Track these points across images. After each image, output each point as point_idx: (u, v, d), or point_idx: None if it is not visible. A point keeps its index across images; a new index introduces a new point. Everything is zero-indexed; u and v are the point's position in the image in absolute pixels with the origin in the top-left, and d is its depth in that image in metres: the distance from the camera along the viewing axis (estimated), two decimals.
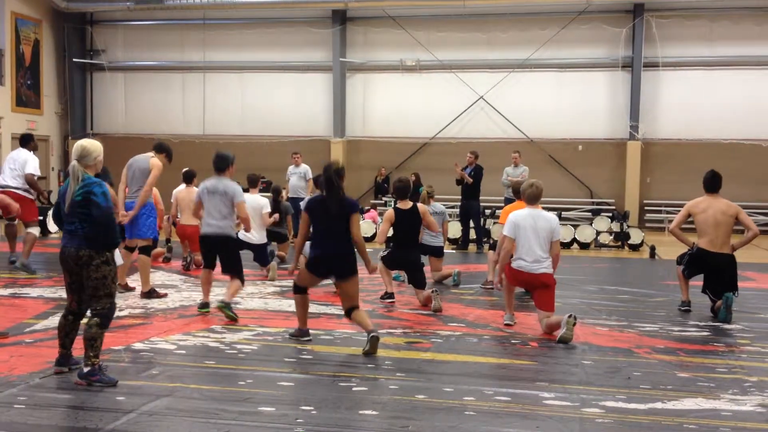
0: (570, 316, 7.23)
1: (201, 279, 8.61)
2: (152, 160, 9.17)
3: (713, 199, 8.84)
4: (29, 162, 11.21)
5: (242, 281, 8.35)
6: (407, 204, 9.32)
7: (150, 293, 9.21)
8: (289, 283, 10.52)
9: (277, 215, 11.92)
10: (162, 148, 9.41)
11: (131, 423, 4.80)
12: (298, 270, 7.24)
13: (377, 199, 22.20)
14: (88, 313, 5.75)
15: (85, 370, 5.54)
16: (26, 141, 11.68)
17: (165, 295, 9.31)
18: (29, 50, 23.39)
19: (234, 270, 8.32)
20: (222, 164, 8.53)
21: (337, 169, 6.94)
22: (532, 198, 7.81)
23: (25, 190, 11.19)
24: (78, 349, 5.82)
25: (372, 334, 6.69)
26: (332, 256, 6.92)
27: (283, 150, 21.86)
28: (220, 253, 8.39)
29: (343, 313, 7.09)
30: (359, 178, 22.88)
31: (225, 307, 7.93)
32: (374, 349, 6.66)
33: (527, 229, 7.66)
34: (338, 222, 6.89)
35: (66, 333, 5.86)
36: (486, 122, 22.35)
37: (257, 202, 11.35)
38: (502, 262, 7.91)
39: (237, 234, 8.84)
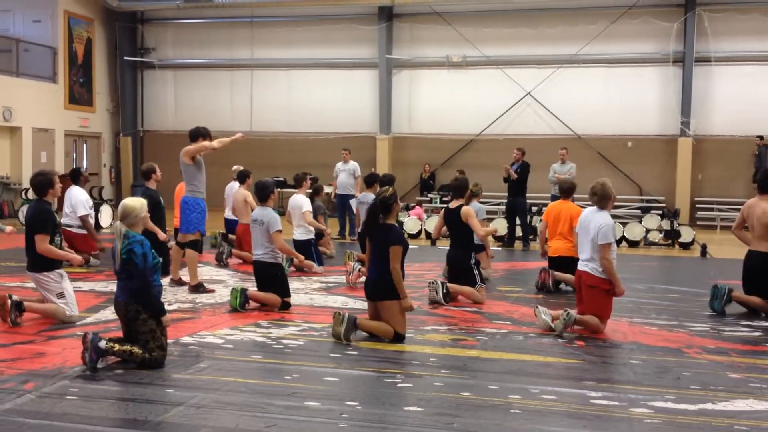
0: (564, 311, 7.45)
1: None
2: (184, 150, 9.34)
3: (760, 199, 8.70)
4: (78, 205, 11.43)
5: (281, 302, 8.42)
6: (455, 203, 9.29)
7: (198, 287, 9.34)
8: (334, 279, 10.63)
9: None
10: (194, 135, 9.49)
11: (180, 415, 4.88)
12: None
13: (423, 196, 22.18)
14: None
15: (101, 344, 5.82)
16: (75, 177, 11.95)
17: (212, 291, 9.42)
18: (82, 49, 23.86)
19: (279, 293, 8.46)
20: (262, 194, 8.79)
21: (383, 198, 7.14)
22: (596, 204, 7.75)
23: (80, 227, 11.48)
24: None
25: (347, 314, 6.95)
26: (370, 281, 7.21)
27: (329, 147, 21.99)
28: (263, 277, 8.57)
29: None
30: (405, 175, 22.87)
31: (240, 293, 8.23)
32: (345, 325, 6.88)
33: (580, 227, 7.80)
34: (380, 250, 7.07)
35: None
36: (533, 118, 22.18)
37: (299, 202, 11.48)
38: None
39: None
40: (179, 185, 12.36)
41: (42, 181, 7.58)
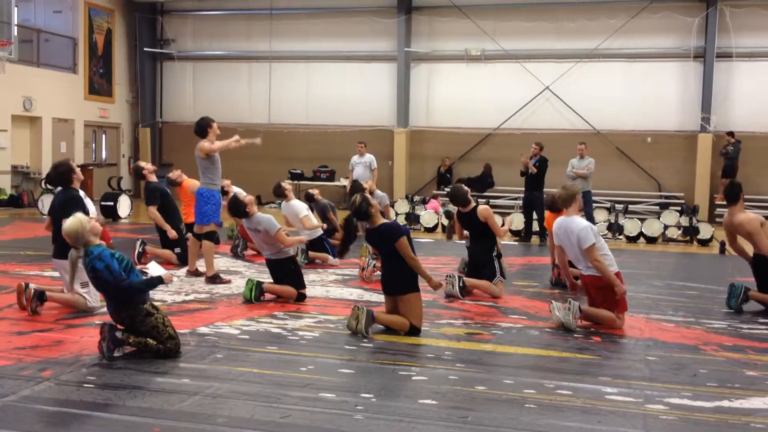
0: (567, 302, 7.45)
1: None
2: (198, 144, 9.43)
3: (731, 211, 8.78)
4: None
5: (297, 293, 8.44)
6: (467, 208, 9.29)
7: (214, 278, 9.38)
8: (350, 271, 10.64)
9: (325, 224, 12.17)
10: (199, 129, 9.52)
11: (195, 405, 4.91)
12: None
13: (440, 190, 22.13)
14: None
15: (118, 334, 5.88)
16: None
17: (229, 281, 9.45)
18: (102, 39, 23.99)
19: (295, 285, 8.49)
20: (239, 212, 8.74)
21: (356, 210, 7.12)
22: (562, 206, 7.99)
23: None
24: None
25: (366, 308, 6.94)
26: (385, 276, 7.28)
27: (347, 139, 21.98)
28: (278, 272, 8.60)
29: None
30: (422, 169, 22.88)
31: (255, 285, 8.26)
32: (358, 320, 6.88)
33: (559, 240, 7.84)
34: (386, 249, 7.12)
35: None
36: (551, 113, 22.06)
37: (294, 210, 11.38)
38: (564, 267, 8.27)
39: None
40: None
41: (63, 171, 7.71)
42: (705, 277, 11.40)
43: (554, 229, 7.88)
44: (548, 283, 10.05)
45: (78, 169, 7.94)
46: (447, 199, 20.89)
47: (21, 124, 21.16)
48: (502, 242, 10.05)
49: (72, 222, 6.03)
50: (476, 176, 21.72)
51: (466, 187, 9.55)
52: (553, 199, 9.93)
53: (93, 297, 7.54)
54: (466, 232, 9.57)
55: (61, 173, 7.66)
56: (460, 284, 8.89)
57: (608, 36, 21.33)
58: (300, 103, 24.13)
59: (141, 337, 5.92)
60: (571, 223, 7.57)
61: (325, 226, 12.18)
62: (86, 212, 7.64)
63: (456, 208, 9.62)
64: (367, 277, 9.95)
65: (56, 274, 8.35)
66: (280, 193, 11.59)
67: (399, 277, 7.05)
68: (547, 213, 10.32)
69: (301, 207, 11.46)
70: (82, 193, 11.16)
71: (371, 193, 12.86)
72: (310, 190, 13.08)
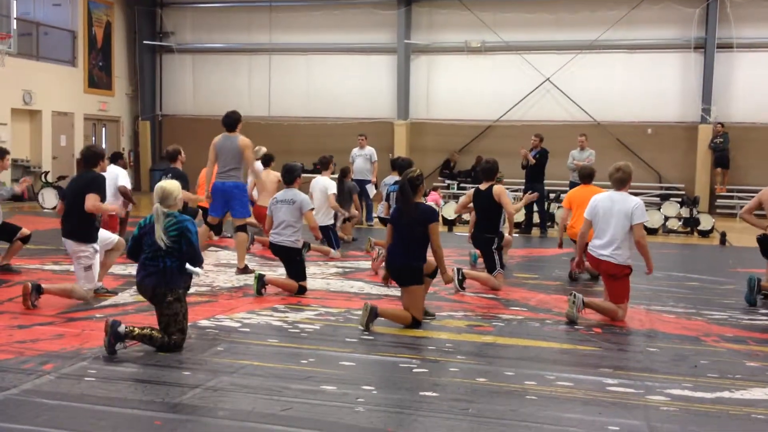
0: (571, 294, 7.36)
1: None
2: (242, 141, 9.48)
3: None
4: (120, 176, 11.24)
5: (300, 286, 8.44)
6: (485, 185, 9.27)
7: (245, 270, 9.51)
8: (351, 264, 10.64)
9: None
10: (231, 122, 9.61)
11: (196, 398, 4.91)
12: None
13: (443, 183, 22.08)
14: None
15: (120, 329, 5.80)
16: (116, 158, 11.94)
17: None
18: (101, 32, 23.93)
19: (296, 276, 8.51)
20: (289, 177, 8.86)
21: (412, 177, 7.09)
22: (617, 182, 7.69)
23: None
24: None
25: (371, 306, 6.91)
26: (398, 265, 7.11)
27: (347, 132, 21.94)
28: (284, 260, 8.62)
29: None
30: (423, 161, 22.74)
31: (257, 279, 8.28)
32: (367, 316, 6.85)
33: (600, 210, 7.58)
34: (411, 230, 7.03)
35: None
36: (552, 105, 22.04)
37: (324, 183, 11.54)
38: (579, 243, 8.03)
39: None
40: (204, 170, 12.39)
41: (94, 153, 7.83)
42: (705, 268, 11.40)
43: (599, 202, 7.66)
44: (549, 275, 10.07)
45: (107, 161, 8.08)
46: (448, 191, 21.01)
47: (21, 118, 21.13)
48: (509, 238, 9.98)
49: (171, 184, 6.19)
50: (470, 168, 21.73)
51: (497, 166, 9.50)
52: (592, 172, 9.81)
53: (93, 280, 7.57)
54: (465, 215, 9.54)
55: (92, 153, 7.83)
56: (460, 276, 8.89)
57: (609, 27, 21.28)
58: (300, 95, 24.10)
59: (147, 328, 5.93)
60: (625, 198, 7.52)
61: (357, 213, 12.57)
62: (104, 193, 7.71)
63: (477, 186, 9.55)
64: (375, 269, 9.92)
65: (57, 267, 8.35)
66: (326, 163, 12.13)
67: (412, 268, 7.05)
68: (576, 191, 10.03)
69: (331, 184, 11.73)
70: (122, 172, 11.30)
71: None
72: (349, 167, 13.85)
